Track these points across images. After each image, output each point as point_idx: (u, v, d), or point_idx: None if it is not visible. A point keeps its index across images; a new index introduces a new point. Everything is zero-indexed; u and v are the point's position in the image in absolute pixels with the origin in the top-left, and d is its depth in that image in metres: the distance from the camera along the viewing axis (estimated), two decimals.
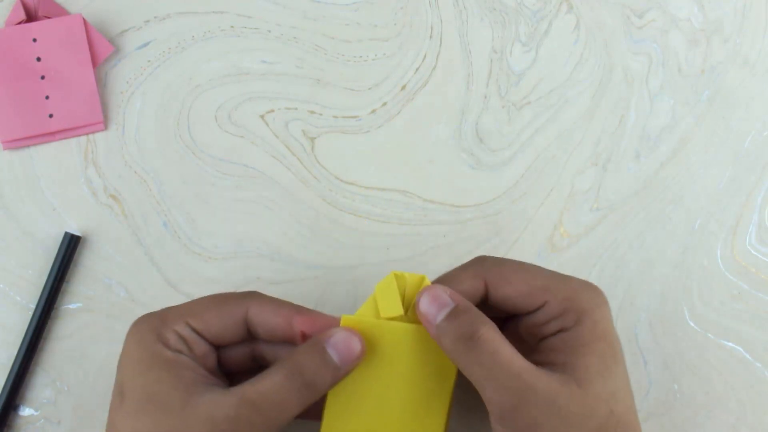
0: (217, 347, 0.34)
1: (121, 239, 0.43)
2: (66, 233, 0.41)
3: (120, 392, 0.32)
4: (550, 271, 0.35)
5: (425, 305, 0.32)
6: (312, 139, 0.44)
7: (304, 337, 0.33)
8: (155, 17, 0.44)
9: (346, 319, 0.33)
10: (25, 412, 0.41)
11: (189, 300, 0.35)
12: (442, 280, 0.35)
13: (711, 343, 0.44)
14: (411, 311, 0.33)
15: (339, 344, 0.32)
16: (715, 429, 0.44)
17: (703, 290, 0.45)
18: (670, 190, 0.46)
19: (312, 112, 0.44)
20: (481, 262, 0.35)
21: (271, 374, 0.31)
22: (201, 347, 0.33)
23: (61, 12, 0.43)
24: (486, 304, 0.35)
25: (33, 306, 0.41)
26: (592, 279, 0.44)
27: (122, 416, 0.31)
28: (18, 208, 0.42)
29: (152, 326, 0.32)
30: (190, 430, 0.29)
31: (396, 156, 0.45)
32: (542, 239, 0.45)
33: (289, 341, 0.34)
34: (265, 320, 0.33)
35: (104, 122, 0.43)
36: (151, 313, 0.34)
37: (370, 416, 0.34)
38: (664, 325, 0.44)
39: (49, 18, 0.43)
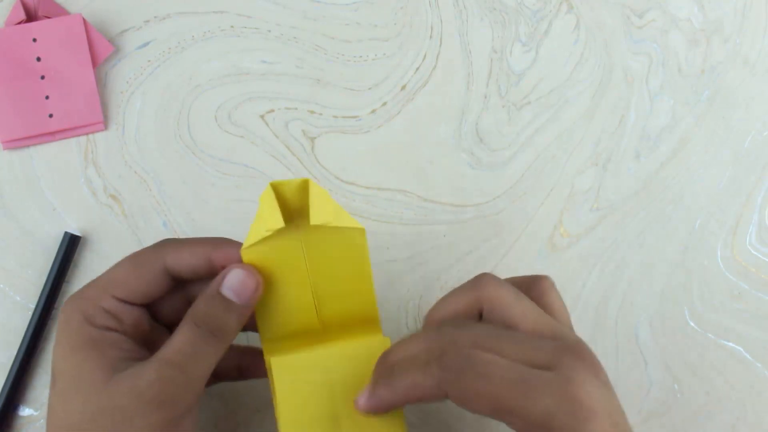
0: (149, 305, 0.34)
1: (121, 239, 0.43)
2: (66, 233, 0.41)
3: (53, 376, 0.32)
4: (518, 373, 0.29)
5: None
6: (312, 139, 0.44)
7: (223, 268, 0.33)
8: (155, 17, 0.44)
9: (245, 252, 0.33)
10: (25, 412, 0.41)
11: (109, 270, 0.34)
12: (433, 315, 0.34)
13: (711, 343, 0.44)
14: (302, 216, 0.32)
15: (234, 285, 0.32)
16: (715, 429, 0.44)
17: (703, 290, 0.45)
18: (670, 190, 0.46)
19: (312, 112, 0.44)
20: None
21: (181, 331, 0.32)
22: (130, 314, 0.33)
23: (61, 12, 0.43)
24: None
25: (33, 306, 0.41)
26: (592, 279, 0.44)
27: (55, 399, 0.32)
28: (18, 208, 0.42)
29: (77, 307, 0.32)
30: (117, 403, 0.30)
31: (396, 156, 0.45)
32: (542, 239, 0.45)
33: (214, 276, 0.34)
34: (185, 264, 0.33)
35: (104, 122, 0.43)
36: (76, 293, 0.34)
37: (301, 315, 0.34)
38: (664, 325, 0.44)
39: (49, 18, 0.43)
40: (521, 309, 0.32)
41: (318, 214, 0.32)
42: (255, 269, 0.33)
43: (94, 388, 0.31)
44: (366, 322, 0.34)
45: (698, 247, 0.45)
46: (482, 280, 0.33)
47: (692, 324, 0.45)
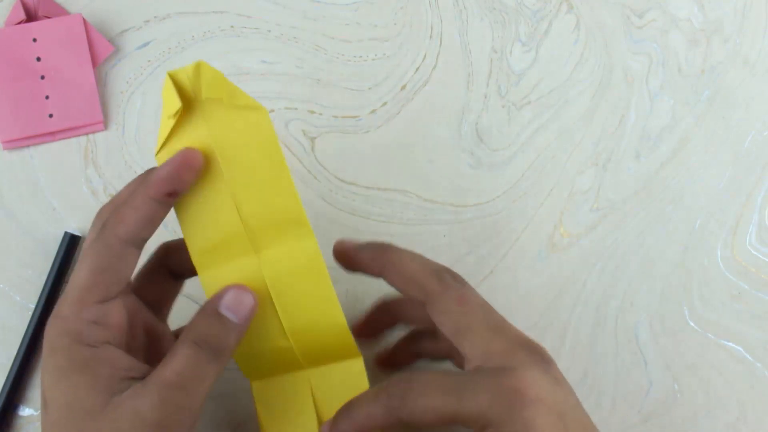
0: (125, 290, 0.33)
1: None
2: (66, 233, 0.41)
3: (43, 403, 0.31)
4: (454, 381, 0.31)
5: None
6: (312, 139, 0.44)
7: (171, 195, 0.32)
8: (155, 17, 0.44)
9: (158, 157, 0.32)
10: (25, 412, 0.41)
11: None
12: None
13: (711, 343, 0.44)
14: (203, 100, 0.31)
15: (231, 304, 0.32)
16: (715, 429, 0.44)
17: (703, 290, 0.45)
18: (670, 190, 0.46)
19: (312, 112, 0.44)
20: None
21: (180, 351, 0.31)
22: (115, 313, 0.31)
23: (61, 12, 0.43)
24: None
25: (33, 306, 0.41)
26: (592, 279, 0.44)
27: (48, 427, 0.30)
28: (18, 208, 0.42)
29: (59, 327, 0.31)
30: (118, 428, 0.29)
31: (396, 156, 0.45)
32: (542, 239, 0.45)
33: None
34: (136, 225, 0.31)
35: (104, 122, 0.43)
36: (53, 313, 0.32)
37: (223, 217, 0.33)
38: (664, 325, 0.44)
39: (49, 18, 0.43)
40: (467, 311, 0.33)
41: (210, 89, 0.31)
42: (248, 287, 0.32)
43: (91, 415, 0.29)
44: (292, 223, 0.33)
45: (698, 247, 0.45)
46: (440, 275, 0.34)
47: (692, 324, 0.45)
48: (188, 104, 0.32)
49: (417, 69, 0.45)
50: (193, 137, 0.32)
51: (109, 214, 0.32)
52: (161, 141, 0.32)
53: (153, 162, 0.43)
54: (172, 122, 0.32)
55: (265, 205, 0.33)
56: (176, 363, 0.30)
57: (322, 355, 0.34)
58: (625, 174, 0.46)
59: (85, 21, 0.43)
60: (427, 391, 0.31)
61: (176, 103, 0.31)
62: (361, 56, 0.45)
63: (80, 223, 0.43)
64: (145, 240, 0.32)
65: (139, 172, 0.43)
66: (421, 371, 0.32)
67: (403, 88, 0.45)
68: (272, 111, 0.44)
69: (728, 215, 0.46)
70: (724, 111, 0.47)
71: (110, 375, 0.30)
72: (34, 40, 0.43)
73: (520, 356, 0.31)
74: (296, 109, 0.44)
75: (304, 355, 0.34)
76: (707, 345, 0.44)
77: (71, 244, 0.41)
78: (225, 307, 0.32)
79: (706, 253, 0.45)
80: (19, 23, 0.43)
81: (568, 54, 0.46)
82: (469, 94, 0.45)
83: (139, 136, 0.44)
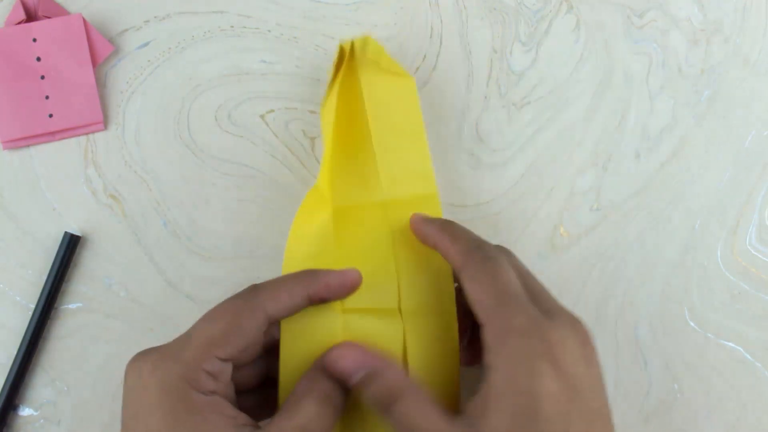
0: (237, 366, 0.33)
1: (121, 239, 0.43)
2: (66, 233, 0.41)
3: None
4: (502, 286, 0.32)
5: (340, 364, 0.33)
6: (312, 139, 0.44)
7: (322, 300, 0.34)
8: (155, 17, 0.44)
9: (323, 110, 0.39)
10: (25, 412, 0.41)
11: (201, 317, 0.33)
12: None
13: (711, 343, 0.44)
14: (365, 64, 0.40)
15: (350, 365, 0.33)
16: (715, 429, 0.44)
17: (703, 290, 0.45)
18: (670, 190, 0.46)
19: (312, 112, 0.44)
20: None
21: (304, 405, 0.31)
22: (227, 373, 0.32)
23: (61, 12, 0.43)
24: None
25: (33, 306, 0.41)
26: (592, 279, 0.44)
27: None
28: (18, 208, 0.42)
29: (178, 372, 0.30)
30: None
31: None
32: (542, 239, 0.45)
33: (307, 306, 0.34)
34: (284, 308, 0.33)
35: (104, 122, 0.43)
36: (167, 353, 0.31)
37: (362, 160, 0.40)
38: (664, 325, 0.44)
39: (49, 18, 0.43)
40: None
41: (373, 55, 0.39)
42: (366, 350, 0.33)
43: None
44: (420, 177, 0.39)
45: (698, 247, 0.45)
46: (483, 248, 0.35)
47: (692, 324, 0.45)
48: (350, 69, 0.39)
49: (417, 69, 0.45)
50: (350, 95, 0.39)
51: (264, 287, 0.33)
52: (326, 97, 0.39)
53: (152, 162, 0.43)
54: (332, 84, 0.39)
55: (399, 159, 0.38)
56: (302, 417, 0.31)
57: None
58: (625, 174, 0.46)
59: (85, 21, 0.43)
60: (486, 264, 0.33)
61: (335, 65, 0.38)
62: None
63: (80, 223, 0.43)
64: (278, 322, 0.34)
65: (139, 172, 0.43)
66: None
67: None
68: (272, 111, 0.44)
69: (728, 215, 0.46)
70: (724, 111, 0.47)
71: (225, 423, 0.30)
72: (34, 40, 0.43)
73: (556, 323, 0.31)
74: (296, 109, 0.44)
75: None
76: (707, 345, 0.44)
77: (71, 244, 0.41)
78: (346, 367, 0.33)
79: (706, 253, 0.45)
80: (19, 23, 0.43)
81: (568, 54, 0.46)
82: (469, 94, 0.45)
83: (139, 136, 0.44)
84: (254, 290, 0.33)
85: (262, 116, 0.44)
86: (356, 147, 0.39)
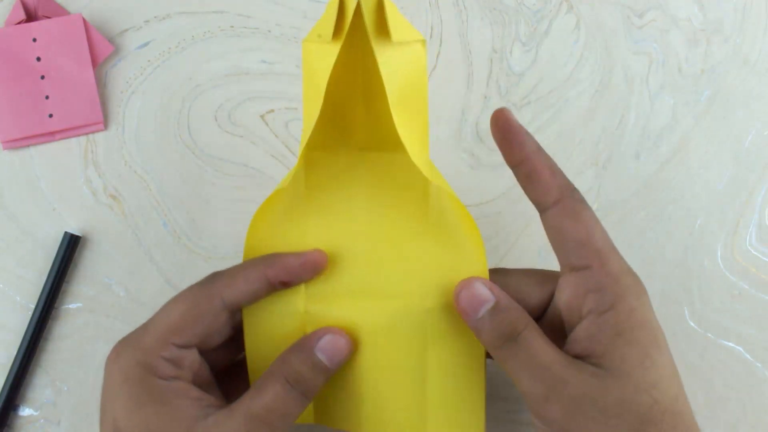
0: (206, 350, 0.33)
1: (121, 239, 0.43)
2: (66, 233, 0.41)
3: (114, 428, 0.31)
4: (598, 245, 0.32)
5: (465, 301, 0.32)
6: None
7: (284, 284, 0.33)
8: (155, 17, 0.44)
9: (304, 43, 0.32)
10: (25, 412, 0.41)
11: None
12: (504, 275, 0.35)
13: (711, 343, 0.44)
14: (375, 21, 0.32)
15: (327, 347, 0.32)
16: (715, 429, 0.44)
17: (703, 290, 0.45)
18: (670, 190, 0.46)
19: None
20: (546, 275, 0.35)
21: (270, 385, 0.31)
22: (188, 359, 0.32)
23: (61, 12, 0.43)
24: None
25: (33, 306, 0.41)
26: None
27: None
28: (18, 208, 0.42)
29: (136, 359, 0.31)
30: None
31: None
32: (542, 239, 0.45)
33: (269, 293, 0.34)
34: (241, 293, 0.33)
35: (104, 122, 0.43)
36: (129, 341, 0.32)
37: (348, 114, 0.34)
38: (664, 325, 0.44)
39: (49, 18, 0.43)
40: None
41: (396, 31, 0.31)
42: (344, 331, 0.33)
43: None
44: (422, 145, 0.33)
45: (698, 247, 0.45)
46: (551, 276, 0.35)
47: (692, 324, 0.45)
48: (356, 29, 0.31)
49: None
50: (353, 59, 0.33)
51: (222, 275, 0.33)
52: (317, 29, 0.32)
53: (153, 162, 0.43)
54: (338, 37, 0.31)
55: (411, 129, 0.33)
56: (266, 398, 0.31)
57: None
58: (625, 174, 0.46)
59: (85, 21, 0.43)
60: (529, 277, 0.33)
61: (342, 13, 0.31)
62: None
63: (80, 223, 0.43)
64: (239, 310, 0.33)
65: (139, 172, 0.43)
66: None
67: None
68: (272, 111, 0.44)
69: (728, 215, 0.46)
70: (724, 111, 0.47)
71: (189, 405, 0.31)
72: (34, 40, 0.43)
73: (630, 283, 0.32)
74: (296, 109, 0.44)
75: None
76: (707, 345, 0.44)
77: (71, 244, 0.41)
78: (320, 350, 0.32)
79: (706, 253, 0.45)
80: (19, 23, 0.43)
81: (568, 54, 0.46)
82: (469, 94, 0.45)
83: (139, 136, 0.44)
84: (212, 278, 0.33)
85: (262, 116, 0.44)
86: (347, 114, 0.35)
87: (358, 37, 0.32)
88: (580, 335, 0.32)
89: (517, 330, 0.31)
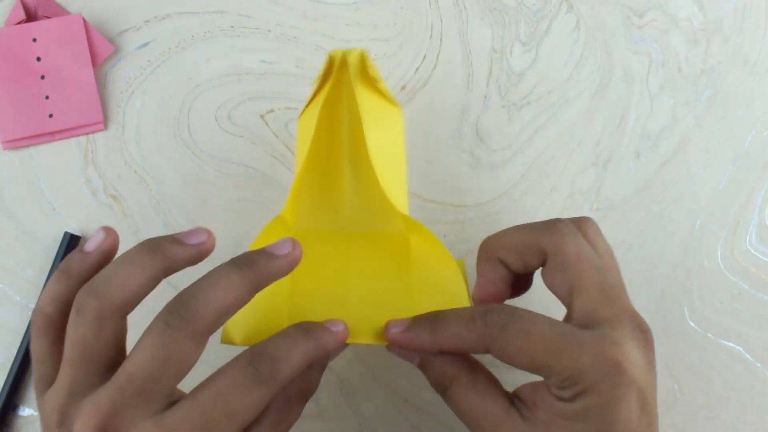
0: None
1: (121, 239, 0.42)
2: (66, 233, 0.41)
3: None
4: (558, 331, 0.30)
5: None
6: None
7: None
8: (155, 17, 0.44)
9: (300, 119, 0.38)
10: (25, 412, 0.41)
11: None
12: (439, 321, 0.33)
13: (711, 343, 0.44)
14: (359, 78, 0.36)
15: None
16: (715, 429, 0.44)
17: (703, 290, 0.45)
18: (670, 190, 0.46)
19: None
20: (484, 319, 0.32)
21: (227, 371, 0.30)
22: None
23: (61, 12, 0.43)
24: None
25: (33, 306, 0.41)
26: None
27: None
28: (18, 208, 0.42)
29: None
30: None
31: None
32: None
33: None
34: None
35: (104, 122, 0.43)
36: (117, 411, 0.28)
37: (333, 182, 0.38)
38: (664, 325, 0.44)
39: (49, 18, 0.43)
40: (582, 270, 0.32)
41: (373, 71, 0.36)
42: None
43: None
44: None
45: (698, 247, 0.45)
46: (556, 227, 0.33)
47: (692, 324, 0.45)
48: (340, 81, 0.36)
49: (417, 69, 0.45)
50: (336, 109, 0.36)
51: (185, 300, 0.29)
52: (306, 107, 0.38)
53: (153, 162, 0.43)
54: (320, 93, 0.36)
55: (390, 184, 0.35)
56: (220, 382, 0.29)
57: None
58: (625, 174, 0.46)
59: (85, 21, 0.43)
60: (531, 333, 0.30)
61: (327, 75, 0.35)
62: None
63: (80, 223, 0.43)
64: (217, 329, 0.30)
65: (139, 172, 0.43)
66: (526, 310, 0.31)
67: (403, 88, 0.45)
68: (272, 111, 0.44)
69: (728, 215, 0.46)
70: (724, 111, 0.47)
71: None
72: (34, 40, 0.43)
73: (626, 330, 0.31)
74: (296, 109, 0.44)
75: None
76: (707, 345, 0.44)
77: (71, 244, 0.41)
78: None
79: (706, 253, 0.45)
80: (19, 23, 0.43)
81: (568, 54, 0.46)
82: (469, 94, 0.45)
83: (139, 136, 0.44)
84: (175, 311, 0.31)
85: (262, 116, 0.44)
86: (332, 167, 0.37)
87: (344, 81, 0.35)
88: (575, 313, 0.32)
89: (444, 386, 0.32)
